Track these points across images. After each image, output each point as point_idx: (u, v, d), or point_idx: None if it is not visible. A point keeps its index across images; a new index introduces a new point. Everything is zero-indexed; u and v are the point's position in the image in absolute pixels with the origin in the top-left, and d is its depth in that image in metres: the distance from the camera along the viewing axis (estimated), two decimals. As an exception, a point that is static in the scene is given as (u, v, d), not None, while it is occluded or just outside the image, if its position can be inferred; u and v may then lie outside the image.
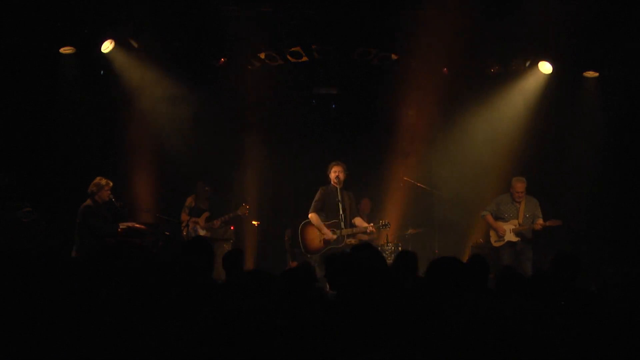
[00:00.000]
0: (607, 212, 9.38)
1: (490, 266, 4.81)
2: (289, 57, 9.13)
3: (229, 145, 10.04)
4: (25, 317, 2.34)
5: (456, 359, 1.98)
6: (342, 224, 8.02)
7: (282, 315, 3.03)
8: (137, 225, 8.15)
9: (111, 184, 7.85)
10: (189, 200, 9.17)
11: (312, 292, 3.95)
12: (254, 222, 9.61)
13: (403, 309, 2.77)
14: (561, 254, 4.81)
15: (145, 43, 8.82)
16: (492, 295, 4.16)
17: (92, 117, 9.15)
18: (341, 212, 8.02)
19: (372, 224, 8.18)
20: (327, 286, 4.60)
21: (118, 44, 8.70)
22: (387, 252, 8.66)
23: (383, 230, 8.44)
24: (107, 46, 8.64)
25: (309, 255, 8.12)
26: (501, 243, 8.63)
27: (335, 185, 8.15)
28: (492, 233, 8.83)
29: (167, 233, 8.67)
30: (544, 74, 9.24)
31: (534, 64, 9.23)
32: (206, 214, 9.13)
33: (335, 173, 8.14)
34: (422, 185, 9.61)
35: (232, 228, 9.45)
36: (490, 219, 8.76)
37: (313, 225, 8.14)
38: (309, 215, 8.16)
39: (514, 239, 8.57)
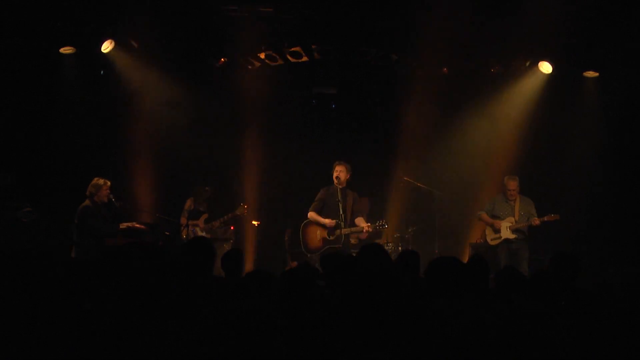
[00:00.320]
0: (607, 212, 9.39)
1: (493, 265, 4.81)
2: (289, 57, 9.12)
3: (229, 145, 10.04)
4: (25, 317, 2.34)
5: (456, 359, 1.98)
6: (342, 223, 8.03)
7: (282, 315, 3.03)
8: (137, 225, 8.14)
9: (109, 183, 7.84)
10: (188, 203, 9.14)
11: (312, 292, 3.95)
12: (254, 222, 9.61)
13: (403, 309, 2.77)
14: (560, 254, 4.81)
15: (145, 43, 8.82)
16: (492, 296, 4.17)
17: (92, 117, 9.15)
18: (341, 211, 8.02)
19: (369, 224, 8.17)
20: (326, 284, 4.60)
21: (118, 44, 8.69)
22: (388, 253, 8.67)
23: (380, 229, 8.43)
24: (107, 46, 8.64)
25: (309, 255, 8.14)
26: (498, 241, 8.64)
27: (336, 184, 8.16)
28: (488, 231, 8.84)
29: (167, 233, 8.67)
30: (544, 74, 9.24)
31: (534, 64, 9.23)
32: (205, 216, 9.12)
33: (336, 173, 8.16)
34: (422, 185, 9.61)
35: (232, 228, 9.44)
36: (485, 216, 8.79)
37: (313, 225, 8.17)
38: (308, 214, 8.21)
39: (510, 236, 8.58)
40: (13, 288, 2.92)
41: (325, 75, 9.91)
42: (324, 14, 8.50)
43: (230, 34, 8.54)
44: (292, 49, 9.01)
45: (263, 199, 9.83)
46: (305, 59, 9.16)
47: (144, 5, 8.13)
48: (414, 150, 10.20)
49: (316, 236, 8.19)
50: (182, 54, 9.00)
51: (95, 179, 7.83)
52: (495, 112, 9.72)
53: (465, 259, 8.27)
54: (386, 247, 8.85)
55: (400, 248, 8.95)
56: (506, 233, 8.59)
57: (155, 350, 2.08)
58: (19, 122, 8.72)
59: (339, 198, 8.06)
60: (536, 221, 8.43)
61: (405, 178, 9.66)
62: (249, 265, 9.34)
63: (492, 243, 8.70)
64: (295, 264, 8.81)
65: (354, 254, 6.87)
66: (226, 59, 9.24)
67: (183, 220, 9.01)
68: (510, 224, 8.59)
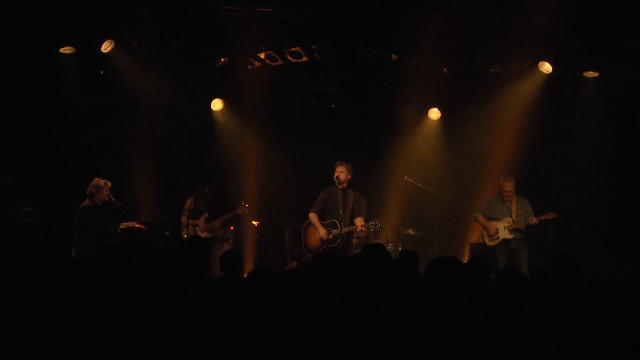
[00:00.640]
0: (607, 212, 9.38)
1: (493, 265, 4.81)
2: (289, 57, 9.12)
3: (229, 145, 10.05)
4: (25, 317, 2.34)
5: (456, 359, 1.98)
6: (341, 223, 8.03)
7: (282, 315, 3.03)
8: (137, 225, 8.15)
9: (109, 184, 7.84)
10: (188, 203, 9.14)
11: (312, 292, 3.95)
12: (254, 222, 9.61)
13: (403, 309, 2.77)
14: (560, 254, 4.81)
15: (145, 43, 8.82)
16: (493, 296, 4.17)
17: (92, 117, 9.15)
18: (341, 211, 8.03)
19: (362, 224, 8.17)
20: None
21: (118, 44, 8.69)
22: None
23: (374, 229, 8.43)
24: (107, 46, 8.64)
25: (308, 255, 8.15)
26: (496, 242, 8.64)
27: (337, 185, 8.17)
28: (484, 233, 8.85)
29: (167, 233, 8.67)
30: (544, 74, 9.24)
31: (534, 64, 9.23)
32: (205, 215, 9.12)
33: (336, 173, 8.16)
34: (422, 185, 9.61)
35: (232, 228, 9.45)
36: (481, 219, 8.78)
37: (314, 225, 8.22)
38: (309, 215, 8.24)
39: (508, 236, 8.57)
40: (13, 288, 2.92)
41: (325, 75, 9.91)
42: (324, 14, 8.50)
43: (230, 34, 8.55)
44: (292, 49, 9.00)
45: (263, 199, 9.82)
46: (305, 59, 9.16)
47: (144, 5, 8.13)
48: (414, 150, 10.21)
49: (315, 236, 8.22)
50: (182, 54, 9.00)
51: (96, 179, 7.83)
52: (495, 112, 9.72)
53: (465, 259, 8.29)
54: (386, 247, 8.84)
55: (400, 248, 8.95)
56: (504, 233, 8.58)
57: (154, 350, 2.08)
58: (19, 122, 8.73)
59: (339, 198, 8.07)
60: (534, 220, 8.43)
61: (406, 178, 9.67)
62: (249, 265, 9.35)
63: (490, 244, 8.69)
64: (295, 264, 8.81)
65: (355, 254, 6.88)
66: (226, 59, 9.24)
67: (183, 220, 9.01)
68: (508, 224, 8.58)
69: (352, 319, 2.81)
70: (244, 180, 9.89)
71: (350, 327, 2.77)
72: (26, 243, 7.78)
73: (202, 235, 8.93)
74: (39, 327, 2.16)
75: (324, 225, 8.18)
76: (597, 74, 9.30)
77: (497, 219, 8.68)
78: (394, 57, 9.25)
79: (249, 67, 9.34)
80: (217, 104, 9.94)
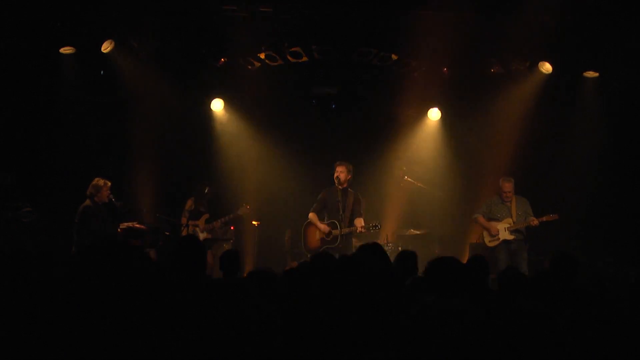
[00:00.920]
0: (607, 212, 9.38)
1: (493, 265, 4.82)
2: (289, 57, 9.12)
3: (229, 145, 10.05)
4: (25, 317, 2.34)
5: (456, 359, 1.98)
6: (341, 224, 8.04)
7: (281, 315, 3.03)
8: (137, 226, 8.15)
9: (109, 183, 7.85)
10: (189, 204, 9.14)
11: (312, 291, 3.95)
12: (254, 222, 9.61)
13: (403, 309, 2.77)
14: (560, 254, 4.82)
15: (145, 43, 8.82)
16: (493, 296, 4.17)
17: (92, 117, 9.15)
18: (341, 212, 8.04)
19: (362, 225, 8.18)
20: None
21: (118, 44, 8.69)
22: (387, 252, 8.65)
23: (373, 231, 8.43)
24: (107, 46, 8.63)
25: (308, 255, 8.15)
26: (496, 242, 8.63)
27: (337, 185, 8.18)
28: (485, 233, 8.84)
29: (167, 233, 8.67)
30: (544, 74, 9.24)
31: (534, 64, 9.23)
32: (206, 216, 9.12)
33: (336, 173, 8.18)
34: (422, 185, 9.61)
35: (232, 228, 9.45)
36: (482, 219, 8.77)
37: (314, 225, 8.23)
38: (309, 215, 8.26)
39: (509, 237, 8.57)
40: (13, 288, 2.92)
41: (325, 75, 9.91)
42: (324, 14, 8.49)
43: (230, 34, 8.54)
44: (292, 49, 9.00)
45: (263, 199, 9.82)
46: (305, 59, 9.15)
47: (143, 5, 8.13)
48: (414, 150, 10.21)
49: (315, 236, 8.23)
50: (182, 54, 9.00)
51: (96, 179, 7.84)
52: (495, 112, 9.71)
53: (465, 259, 8.29)
54: (386, 248, 8.84)
55: (400, 248, 8.95)
56: (504, 234, 8.58)
57: (154, 351, 2.08)
58: (19, 122, 8.72)
59: (339, 198, 8.08)
60: (535, 222, 8.42)
61: (406, 178, 9.67)
62: (249, 265, 9.34)
63: (491, 244, 8.69)
64: (295, 264, 8.81)
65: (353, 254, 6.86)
66: (226, 59, 9.23)
67: (184, 221, 9.01)
68: (509, 225, 8.58)
69: (352, 318, 2.81)
70: (244, 180, 9.89)
71: (350, 327, 2.77)
72: (26, 243, 7.78)
73: (202, 235, 8.93)
74: (39, 327, 2.16)
75: (321, 230, 8.18)
76: (597, 74, 9.30)
77: (497, 220, 8.68)
78: (394, 57, 9.24)
79: (249, 67, 9.34)
80: (217, 104, 9.94)
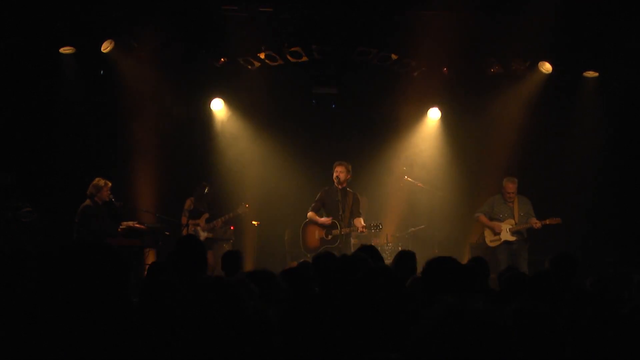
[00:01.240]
0: (607, 212, 9.38)
1: (490, 266, 4.81)
2: (289, 57, 9.12)
3: (229, 145, 10.04)
4: (25, 317, 2.34)
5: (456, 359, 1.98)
6: (341, 223, 8.04)
7: (281, 315, 3.03)
8: (137, 225, 8.16)
9: (110, 184, 7.86)
10: (188, 203, 9.14)
11: (312, 291, 3.95)
12: (254, 222, 9.60)
13: (403, 309, 2.77)
14: (560, 254, 4.83)
15: (145, 43, 8.82)
16: (494, 296, 4.17)
17: (92, 117, 9.15)
18: (341, 212, 8.04)
19: (364, 225, 8.18)
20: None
21: (118, 44, 8.69)
22: (387, 252, 8.68)
23: (375, 231, 8.43)
24: (107, 46, 8.63)
25: (308, 255, 8.15)
26: (497, 243, 8.63)
27: (336, 185, 8.18)
28: (487, 233, 8.83)
29: (167, 233, 8.67)
30: (544, 74, 9.24)
31: (534, 64, 9.23)
32: (206, 215, 9.12)
33: (336, 173, 8.17)
34: (422, 185, 9.61)
35: (232, 228, 9.44)
36: (484, 219, 8.77)
37: (313, 225, 8.22)
38: (307, 214, 8.26)
39: (510, 238, 8.57)
40: (13, 288, 2.92)
41: (325, 75, 9.91)
42: (324, 14, 8.50)
43: (230, 34, 8.54)
44: (292, 49, 9.00)
45: (263, 199, 9.82)
46: (305, 59, 9.15)
47: (143, 5, 8.13)
48: (414, 150, 10.21)
49: (314, 236, 8.22)
50: (182, 54, 9.00)
51: (96, 179, 7.85)
52: (495, 112, 9.72)
53: (465, 260, 8.28)
54: (386, 247, 8.86)
55: (400, 248, 8.95)
56: (506, 235, 8.57)
57: (154, 351, 2.08)
58: (19, 122, 8.72)
59: (339, 198, 8.08)
60: (538, 224, 8.41)
61: (406, 178, 9.67)
62: (249, 265, 9.34)
63: (492, 245, 8.68)
64: (295, 264, 8.81)
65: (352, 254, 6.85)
66: (226, 59, 9.23)
67: (184, 220, 9.01)
68: (511, 226, 8.57)
69: (352, 318, 2.81)
70: (243, 180, 9.88)
71: (350, 326, 2.77)
72: (26, 243, 7.78)
73: (203, 235, 8.93)
74: (39, 326, 2.16)
75: (323, 224, 8.18)
76: (597, 74, 9.30)
77: (499, 220, 8.67)
78: (394, 57, 9.24)
79: (249, 67, 9.33)
80: (217, 104, 9.94)
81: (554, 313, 2.80)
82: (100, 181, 7.82)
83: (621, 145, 9.43)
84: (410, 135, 10.28)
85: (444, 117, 10.15)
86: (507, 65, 9.38)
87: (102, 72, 9.18)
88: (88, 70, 8.99)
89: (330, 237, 8.10)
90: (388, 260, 7.54)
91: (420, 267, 4.89)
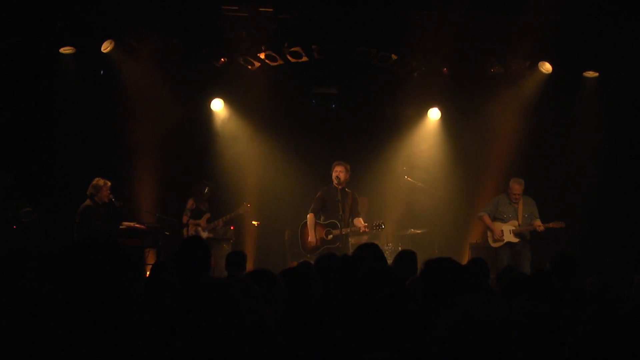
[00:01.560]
0: (607, 212, 9.38)
1: (491, 266, 4.81)
2: (289, 57, 9.12)
3: (229, 145, 10.04)
4: (25, 317, 2.34)
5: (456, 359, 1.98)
6: (341, 223, 8.04)
7: (282, 315, 3.03)
8: (138, 225, 8.16)
9: (109, 184, 7.86)
10: (190, 203, 9.14)
11: (312, 291, 3.95)
12: (254, 222, 9.60)
13: (404, 309, 2.77)
14: (560, 254, 4.83)
15: (145, 43, 8.82)
16: (493, 296, 4.17)
17: (92, 117, 9.15)
18: (341, 211, 8.04)
19: (366, 224, 8.18)
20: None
21: (118, 44, 8.69)
22: (387, 252, 8.67)
23: (377, 230, 8.43)
24: (107, 46, 8.64)
25: (308, 255, 8.14)
26: (500, 243, 8.61)
27: (336, 185, 8.18)
28: (489, 233, 8.82)
29: (167, 233, 8.67)
30: (544, 74, 9.23)
31: (534, 64, 9.23)
32: (207, 215, 9.12)
33: (335, 173, 8.17)
34: (422, 185, 9.61)
35: (232, 228, 9.44)
36: (487, 219, 8.75)
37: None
38: (307, 216, 8.26)
39: (513, 239, 8.55)
40: (13, 288, 2.92)
41: (325, 75, 9.91)
42: (324, 14, 8.50)
43: (230, 34, 8.54)
44: (292, 49, 9.00)
45: (263, 199, 9.82)
46: (305, 59, 9.16)
47: (143, 5, 8.13)
48: (414, 150, 10.21)
49: (314, 236, 8.21)
50: (182, 54, 9.00)
51: (96, 179, 7.85)
52: (495, 112, 9.71)
53: (465, 260, 8.29)
54: (386, 247, 8.85)
55: (400, 248, 8.94)
56: (509, 237, 8.56)
57: (154, 351, 2.08)
58: (19, 122, 8.72)
59: (339, 198, 8.08)
60: (541, 227, 8.40)
61: (406, 178, 9.67)
62: (249, 265, 9.33)
63: (495, 245, 8.67)
64: (295, 264, 8.81)
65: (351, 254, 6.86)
66: (226, 59, 9.23)
67: (185, 220, 9.02)
68: (514, 228, 8.56)
69: (352, 318, 2.81)
70: (244, 180, 9.88)
71: (350, 326, 2.77)
72: (26, 243, 7.78)
73: (204, 235, 8.93)
74: (39, 326, 2.16)
75: (323, 226, 8.19)
76: (597, 74, 9.30)
77: (503, 221, 8.66)
78: (394, 57, 9.25)
79: (249, 67, 9.34)
80: (217, 104, 9.94)
81: (554, 313, 2.81)
82: (100, 181, 7.83)
83: (621, 145, 9.42)
84: (410, 135, 10.28)
85: (444, 117, 10.15)
86: (507, 65, 9.38)
87: (102, 72, 9.18)
88: (88, 70, 8.99)
89: (330, 237, 8.10)
90: (388, 260, 7.55)
91: (419, 267, 4.91)
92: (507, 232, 8.57)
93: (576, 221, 9.06)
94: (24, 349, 2.10)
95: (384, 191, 10.04)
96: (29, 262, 3.39)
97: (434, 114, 10.14)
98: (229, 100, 9.98)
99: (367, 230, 8.22)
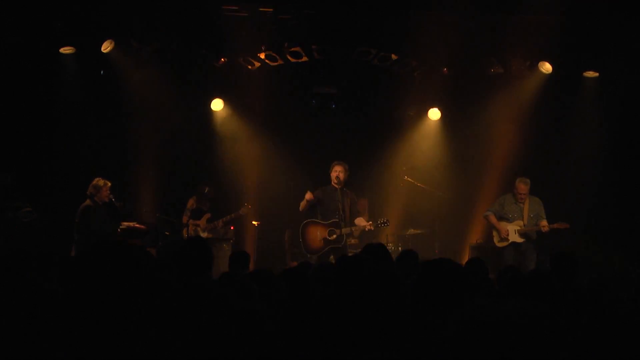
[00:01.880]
0: (608, 212, 9.38)
1: (493, 266, 4.81)
2: (289, 57, 9.12)
3: (229, 145, 10.04)
4: (25, 317, 2.34)
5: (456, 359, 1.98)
6: (342, 223, 8.04)
7: (282, 315, 3.03)
8: (137, 225, 8.16)
9: (109, 184, 7.87)
10: (190, 203, 9.15)
11: (312, 291, 3.95)
12: (254, 222, 9.60)
13: (404, 309, 2.76)
14: (559, 253, 4.83)
15: (145, 43, 8.82)
16: (493, 296, 4.17)
17: (92, 117, 9.15)
18: (341, 211, 8.03)
19: (370, 222, 8.18)
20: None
21: (118, 44, 8.69)
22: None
23: (382, 228, 8.43)
24: (107, 46, 8.64)
25: (309, 255, 8.14)
26: (505, 243, 8.60)
27: (335, 185, 8.17)
28: (495, 233, 8.81)
29: (167, 233, 8.67)
30: (544, 74, 9.24)
31: (534, 64, 9.23)
32: (207, 215, 9.12)
33: (335, 173, 8.17)
34: (422, 185, 9.61)
35: (232, 228, 9.45)
36: (493, 219, 8.74)
37: (313, 225, 8.18)
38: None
39: (518, 240, 8.54)
40: (13, 288, 2.92)
41: (325, 75, 9.91)
42: (324, 14, 8.50)
43: (230, 34, 8.55)
44: (292, 49, 9.00)
45: (263, 199, 9.82)
46: (305, 59, 9.16)
47: (143, 5, 8.13)
48: (414, 150, 10.21)
49: (316, 237, 8.17)
50: (182, 54, 9.00)
51: (96, 179, 7.85)
52: (495, 112, 9.72)
53: (466, 259, 8.28)
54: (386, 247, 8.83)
55: (400, 248, 8.95)
56: (514, 237, 8.55)
57: (154, 351, 2.08)
58: (19, 122, 8.72)
59: (339, 198, 8.07)
60: (545, 228, 8.39)
61: (406, 178, 9.67)
62: (249, 265, 9.34)
63: (500, 245, 8.66)
64: (295, 264, 8.81)
65: (350, 254, 6.87)
66: (226, 59, 9.24)
67: (185, 219, 9.03)
68: (519, 228, 8.55)
69: (352, 318, 2.81)
70: (244, 180, 9.88)
71: (350, 327, 2.77)
72: (26, 243, 7.78)
73: (203, 235, 8.93)
74: (38, 327, 2.16)
75: (325, 226, 8.17)
76: (597, 74, 9.30)
77: (508, 220, 8.65)
78: (394, 57, 9.25)
79: (249, 67, 9.34)
80: (217, 104, 9.94)
81: (554, 313, 2.80)
82: (100, 181, 7.83)
83: (621, 145, 9.43)
84: (410, 135, 10.29)
85: (444, 117, 10.16)
86: (507, 65, 9.38)
87: (102, 72, 9.18)
88: (88, 70, 8.99)
89: (334, 236, 8.08)
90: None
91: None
92: (512, 232, 8.56)
93: (576, 221, 9.06)
94: (24, 349, 2.10)
95: (383, 191, 10.04)
96: (29, 262, 3.40)
97: (434, 114, 10.15)
98: (229, 100, 9.98)
99: (372, 228, 8.22)
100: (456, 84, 9.57)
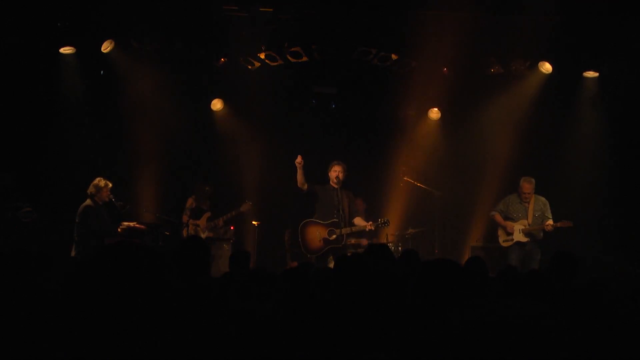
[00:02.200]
0: (608, 212, 9.37)
1: (496, 266, 4.81)
2: (289, 57, 9.12)
3: (229, 145, 10.04)
4: (25, 317, 2.34)
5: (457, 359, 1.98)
6: (342, 223, 8.04)
7: (282, 315, 3.03)
8: (138, 226, 8.16)
9: (110, 184, 7.87)
10: (190, 202, 9.15)
11: (312, 291, 3.94)
12: (254, 222, 9.60)
13: (405, 309, 2.76)
14: (559, 253, 4.83)
15: (145, 43, 8.82)
16: (493, 296, 4.17)
17: (92, 117, 9.15)
18: (341, 211, 8.03)
19: (370, 222, 8.18)
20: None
21: (118, 44, 8.70)
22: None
23: (383, 227, 8.43)
24: (107, 46, 8.64)
25: (309, 255, 8.13)
26: (510, 243, 8.61)
27: (334, 184, 8.17)
28: (500, 232, 8.82)
29: (167, 233, 8.67)
30: (544, 74, 9.24)
31: (534, 64, 9.23)
32: (207, 214, 9.13)
33: (335, 173, 8.17)
34: (422, 185, 9.61)
35: (232, 228, 9.45)
36: (498, 217, 8.76)
37: (313, 225, 8.17)
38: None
39: (523, 239, 8.54)
40: (13, 288, 2.92)
41: (325, 75, 9.91)
42: (324, 14, 8.50)
43: (230, 34, 8.55)
44: (292, 49, 9.00)
45: (263, 199, 9.82)
46: (305, 59, 9.16)
47: (143, 5, 8.14)
48: (414, 150, 10.21)
49: (316, 237, 8.17)
50: (182, 54, 9.00)
51: (97, 179, 7.85)
52: (494, 112, 9.72)
53: (466, 259, 8.28)
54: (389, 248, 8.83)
55: (400, 248, 8.95)
56: (519, 236, 8.55)
57: (154, 351, 2.08)
58: (19, 122, 8.72)
59: (338, 198, 8.07)
60: (549, 227, 8.40)
61: (406, 178, 9.66)
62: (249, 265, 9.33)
63: (504, 245, 8.67)
64: (295, 264, 8.81)
65: (349, 254, 6.87)
66: (226, 59, 9.24)
67: (184, 219, 9.02)
68: (523, 227, 8.55)
69: (352, 318, 2.81)
70: (244, 180, 9.88)
71: (350, 327, 2.77)
72: (26, 243, 7.78)
73: (203, 234, 8.93)
74: (39, 327, 2.16)
75: (325, 226, 8.16)
76: (597, 74, 9.30)
77: (513, 220, 8.66)
78: (394, 57, 9.25)
79: (249, 67, 9.34)
80: (217, 104, 9.94)
81: (554, 313, 2.80)
82: (100, 181, 7.83)
83: (621, 145, 9.43)
84: (410, 135, 10.28)
85: (444, 117, 10.15)
86: (507, 65, 9.38)
87: (102, 72, 9.18)
88: (88, 70, 8.99)
89: (334, 236, 8.08)
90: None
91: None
92: (517, 231, 8.57)
93: (576, 220, 9.06)
94: (24, 349, 2.10)
95: (384, 191, 10.03)
96: (29, 262, 3.40)
97: (434, 114, 10.15)
98: (229, 100, 9.98)
99: (372, 228, 8.22)
100: (456, 84, 9.56)
